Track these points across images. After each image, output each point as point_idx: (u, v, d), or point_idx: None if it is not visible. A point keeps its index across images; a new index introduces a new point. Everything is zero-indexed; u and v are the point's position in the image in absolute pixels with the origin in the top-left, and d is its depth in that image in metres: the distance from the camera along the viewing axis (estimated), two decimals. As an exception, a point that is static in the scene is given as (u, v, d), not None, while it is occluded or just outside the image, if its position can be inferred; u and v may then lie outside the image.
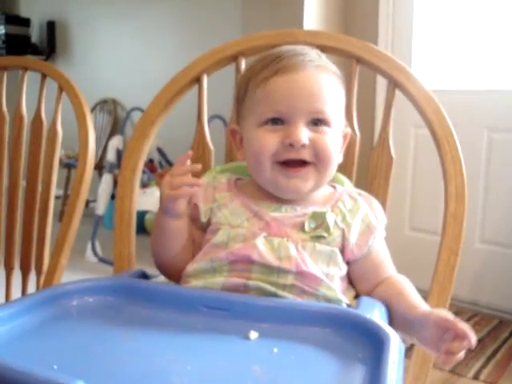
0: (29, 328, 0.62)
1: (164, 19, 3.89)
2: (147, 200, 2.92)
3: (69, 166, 3.92)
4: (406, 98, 0.92)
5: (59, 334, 0.62)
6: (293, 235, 0.74)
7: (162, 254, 0.80)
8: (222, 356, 0.58)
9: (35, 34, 4.80)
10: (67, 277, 1.10)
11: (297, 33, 0.96)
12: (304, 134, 0.73)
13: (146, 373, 0.54)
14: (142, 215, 3.44)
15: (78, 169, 1.11)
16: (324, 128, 0.75)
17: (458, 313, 2.15)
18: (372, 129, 2.47)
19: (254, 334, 0.61)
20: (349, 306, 0.73)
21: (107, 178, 3.14)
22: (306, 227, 0.75)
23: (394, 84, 0.92)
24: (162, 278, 0.85)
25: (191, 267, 0.76)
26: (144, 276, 0.80)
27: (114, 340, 0.61)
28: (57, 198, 1.24)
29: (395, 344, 0.57)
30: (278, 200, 0.78)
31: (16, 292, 1.18)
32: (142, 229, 3.40)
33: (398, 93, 0.92)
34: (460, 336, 0.60)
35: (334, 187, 0.83)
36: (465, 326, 0.60)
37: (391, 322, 0.72)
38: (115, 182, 3.09)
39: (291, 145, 0.73)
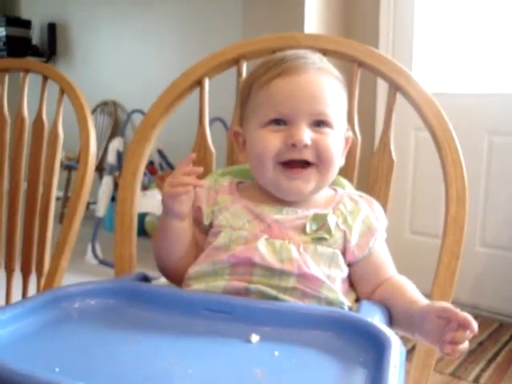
0: (30, 330, 0.62)
1: (165, 21, 3.90)
2: (147, 202, 2.92)
3: (69, 167, 3.92)
4: (406, 101, 0.92)
5: (61, 337, 0.62)
6: (294, 237, 0.75)
7: (164, 257, 0.80)
8: (224, 359, 0.58)
9: (36, 35, 4.80)
10: (67, 279, 1.10)
11: (298, 36, 0.96)
12: (306, 135, 0.74)
13: (148, 376, 0.54)
14: (142, 217, 3.44)
15: (78, 171, 1.11)
16: (326, 129, 0.76)
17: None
18: (373, 132, 2.48)
19: (255, 338, 0.62)
20: (350, 308, 0.73)
21: (107, 180, 3.14)
22: (308, 229, 0.75)
23: (394, 87, 0.92)
24: (162, 280, 0.85)
25: (193, 270, 0.76)
26: (145, 279, 0.80)
27: (116, 343, 0.61)
28: (57, 199, 1.24)
29: (396, 347, 0.57)
30: (280, 202, 0.79)
31: (16, 294, 1.18)
32: (142, 231, 3.41)
33: (398, 96, 0.93)
34: (462, 325, 0.60)
35: (335, 190, 0.83)
36: (466, 315, 0.60)
37: (392, 322, 0.73)
38: (115, 184, 3.10)
39: (293, 145, 0.74)
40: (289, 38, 0.96)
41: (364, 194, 0.83)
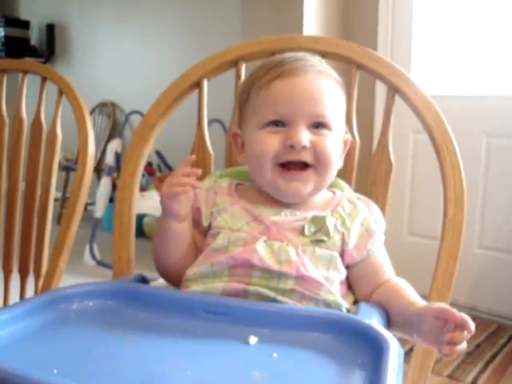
0: (29, 332, 0.62)
1: (163, 22, 3.90)
2: (146, 203, 2.92)
3: (67, 168, 3.92)
4: (404, 104, 0.92)
5: (59, 338, 0.62)
6: (293, 239, 0.75)
7: (163, 259, 0.80)
8: (222, 361, 0.58)
9: (34, 36, 4.80)
10: (65, 280, 1.10)
11: (297, 38, 0.97)
12: (305, 136, 0.74)
13: (146, 377, 0.54)
14: (140, 219, 3.44)
15: (77, 172, 1.11)
16: (325, 131, 0.76)
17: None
18: (371, 134, 2.48)
19: (253, 339, 0.62)
20: (348, 310, 0.73)
21: (106, 181, 3.14)
22: (306, 231, 0.75)
23: (393, 90, 0.92)
24: (161, 281, 0.85)
25: (191, 271, 0.76)
26: (143, 280, 0.80)
27: (114, 344, 0.61)
28: (55, 200, 1.24)
29: (394, 350, 0.57)
30: (278, 204, 0.79)
31: (14, 295, 1.18)
32: (140, 232, 3.40)
33: (396, 98, 0.93)
34: (460, 326, 0.60)
35: (334, 192, 0.83)
36: (463, 315, 0.61)
37: (390, 323, 0.73)
38: (114, 185, 3.10)
39: (292, 146, 0.74)
40: (288, 39, 0.96)
41: (362, 197, 0.84)
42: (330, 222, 0.76)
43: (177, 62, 3.60)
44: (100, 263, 2.99)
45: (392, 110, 0.93)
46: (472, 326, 0.60)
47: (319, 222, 0.76)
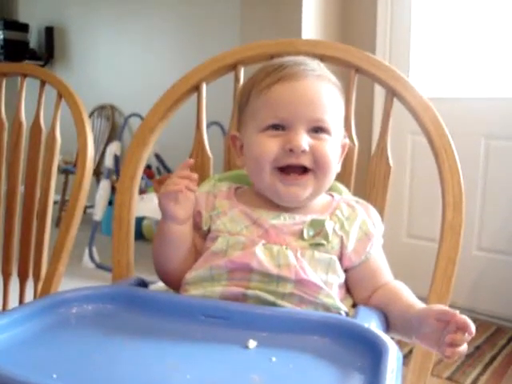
0: (28, 336, 0.62)
1: (162, 25, 3.91)
2: (145, 206, 2.91)
3: (66, 171, 3.92)
4: (403, 106, 0.93)
5: (58, 343, 0.62)
6: (292, 243, 0.75)
7: (163, 262, 0.80)
8: (221, 365, 0.58)
9: (33, 39, 4.80)
10: (64, 283, 1.10)
11: (296, 42, 0.97)
12: (304, 140, 0.74)
13: (146, 381, 0.54)
14: (139, 221, 3.44)
15: (76, 175, 1.11)
16: (324, 136, 0.76)
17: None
18: (370, 137, 2.48)
19: (252, 343, 0.62)
20: (347, 314, 0.73)
21: (105, 184, 3.14)
22: (305, 235, 0.75)
23: (391, 93, 0.92)
24: (160, 284, 0.85)
25: (190, 275, 0.76)
26: (142, 283, 0.80)
27: (113, 348, 0.61)
28: (54, 203, 1.24)
29: (393, 353, 0.57)
30: (277, 208, 0.79)
31: (13, 298, 1.18)
32: (139, 235, 3.40)
33: (395, 100, 0.93)
34: (461, 327, 0.60)
35: (332, 195, 0.83)
36: (464, 317, 0.61)
37: (389, 326, 0.73)
38: (113, 188, 3.10)
39: (291, 150, 0.74)
40: (287, 43, 0.97)
41: (361, 200, 0.84)
42: (329, 226, 0.76)
43: (176, 64, 3.60)
44: (99, 266, 2.99)
45: (390, 114, 0.93)
46: (473, 328, 0.60)
47: (318, 226, 0.76)
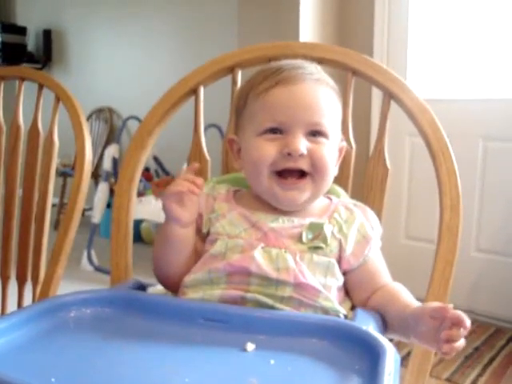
0: (26, 340, 0.62)
1: (160, 28, 3.91)
2: (143, 209, 2.91)
3: (64, 174, 3.92)
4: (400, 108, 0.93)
5: (57, 347, 0.62)
6: (290, 246, 0.75)
7: (163, 267, 0.80)
8: (220, 368, 0.58)
9: (31, 42, 4.80)
10: (63, 286, 1.10)
11: (294, 45, 0.97)
12: (302, 144, 0.74)
13: (144, 385, 0.54)
14: (138, 224, 3.44)
15: (74, 178, 1.11)
16: (322, 139, 0.76)
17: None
18: (367, 140, 2.48)
19: (251, 346, 0.62)
20: (346, 317, 0.73)
21: (103, 187, 3.14)
22: (304, 238, 0.75)
23: (389, 96, 0.93)
24: (159, 288, 0.85)
25: (189, 278, 0.76)
26: (141, 286, 0.80)
27: (112, 352, 0.61)
28: (52, 206, 1.24)
29: (391, 355, 0.57)
30: (276, 211, 0.79)
31: (12, 302, 1.18)
32: (138, 238, 3.40)
33: (392, 102, 0.93)
34: (456, 322, 0.60)
35: (330, 199, 0.84)
36: (458, 312, 0.61)
37: (387, 327, 0.73)
38: (111, 191, 3.09)
39: (289, 154, 0.74)
40: (285, 46, 0.97)
41: (358, 203, 0.84)
42: (328, 229, 0.76)
43: (174, 67, 3.60)
44: (98, 269, 2.99)
45: (388, 116, 0.93)
46: (467, 322, 0.60)
47: (316, 229, 0.76)
